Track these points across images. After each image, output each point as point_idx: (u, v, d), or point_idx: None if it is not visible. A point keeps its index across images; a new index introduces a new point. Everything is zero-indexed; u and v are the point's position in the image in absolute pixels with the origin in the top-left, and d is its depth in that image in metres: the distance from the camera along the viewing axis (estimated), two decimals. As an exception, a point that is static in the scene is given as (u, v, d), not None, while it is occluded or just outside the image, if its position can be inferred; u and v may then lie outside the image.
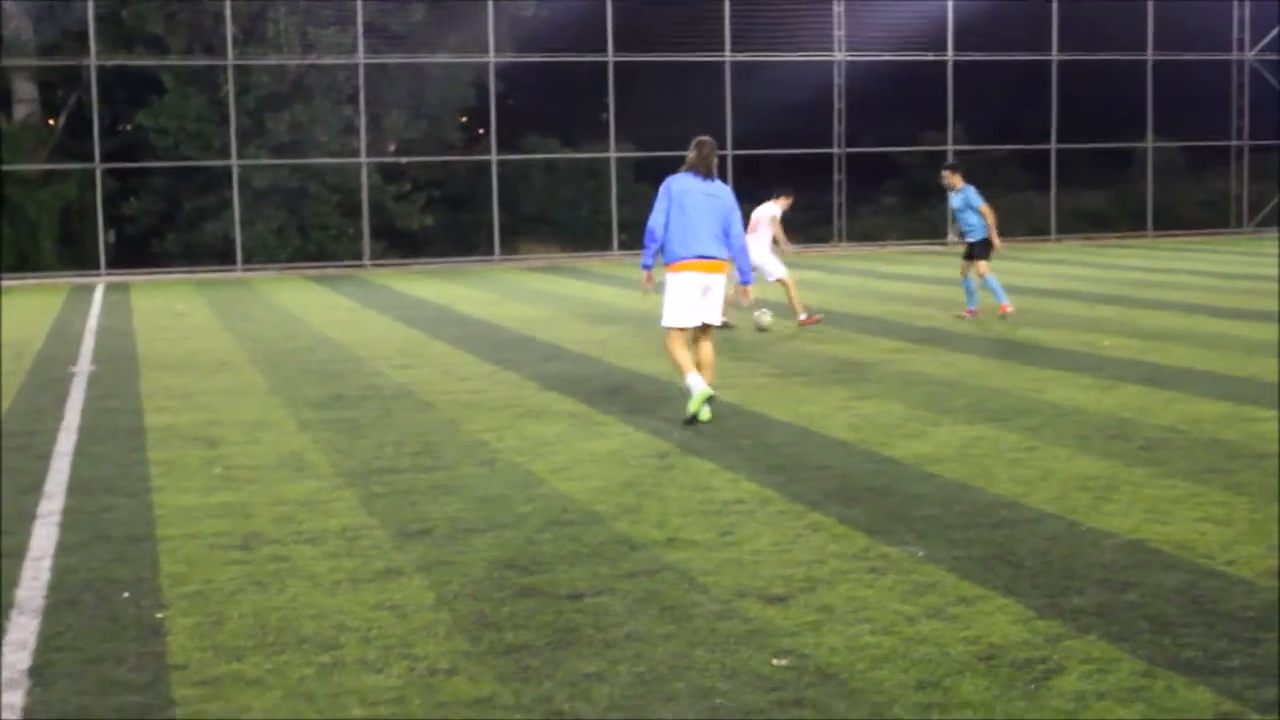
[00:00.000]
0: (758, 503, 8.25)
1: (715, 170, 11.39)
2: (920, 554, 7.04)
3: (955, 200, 18.57)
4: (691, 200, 11.15)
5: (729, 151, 34.32)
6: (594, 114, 35.09)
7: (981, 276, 18.17)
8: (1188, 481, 8.58)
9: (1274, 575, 6.55)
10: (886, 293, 22.52)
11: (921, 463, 9.30)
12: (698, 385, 10.92)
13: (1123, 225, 38.56)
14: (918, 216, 37.35)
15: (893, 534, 7.45)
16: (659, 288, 11.47)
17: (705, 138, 11.48)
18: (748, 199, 36.43)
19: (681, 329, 11.23)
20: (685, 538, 7.46)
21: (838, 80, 35.81)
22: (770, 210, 18.27)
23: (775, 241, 18.25)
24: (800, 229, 36.14)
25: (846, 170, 36.33)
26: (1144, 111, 37.69)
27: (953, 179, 18.50)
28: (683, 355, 11.18)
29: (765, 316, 17.33)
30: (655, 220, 11.20)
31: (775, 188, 18.88)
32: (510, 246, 34.36)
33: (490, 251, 33.76)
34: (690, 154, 11.35)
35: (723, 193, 11.33)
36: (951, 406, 11.54)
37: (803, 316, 17.84)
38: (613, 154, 34.35)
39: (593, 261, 33.28)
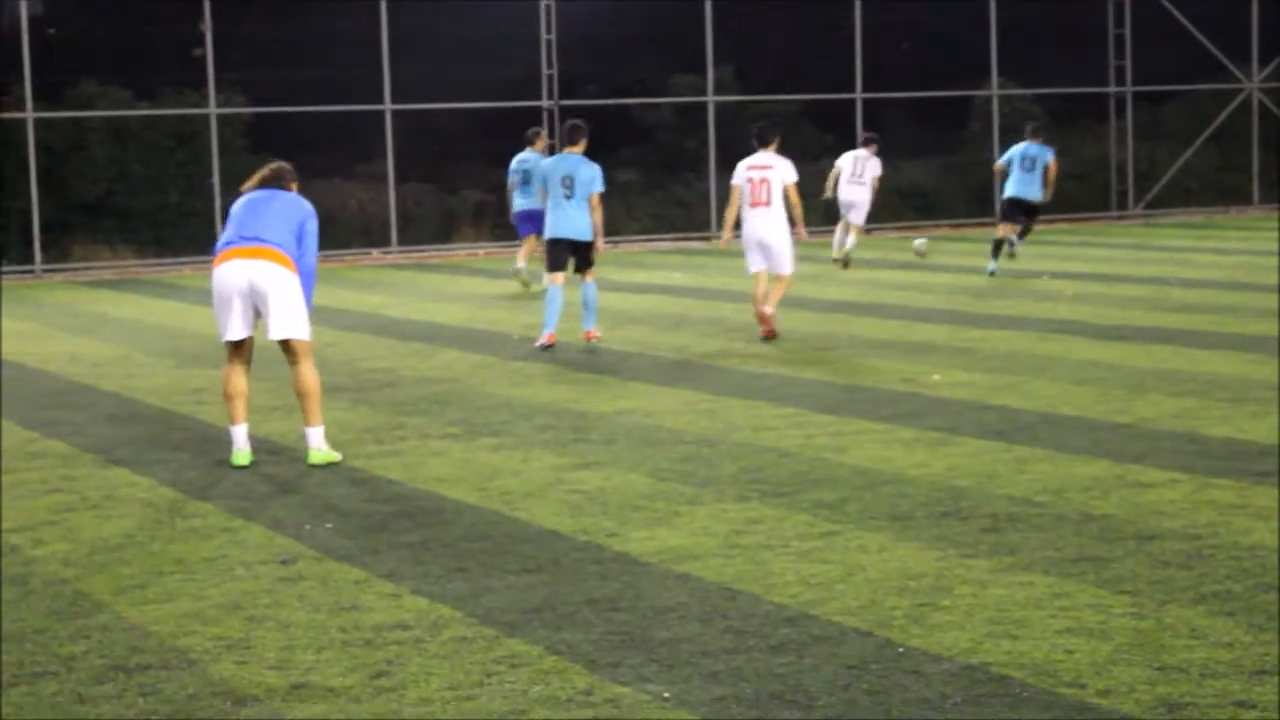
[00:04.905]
0: (428, 627, 8.20)
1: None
2: (666, 695, 7.07)
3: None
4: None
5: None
6: (184, 49, 34.53)
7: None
8: (1049, 576, 8.79)
9: (1165, 706, 6.75)
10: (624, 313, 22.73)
11: (670, 560, 9.36)
12: (241, 442, 12.78)
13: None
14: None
15: (626, 667, 7.46)
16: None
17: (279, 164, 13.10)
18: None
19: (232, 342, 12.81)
20: (318, 683, 7.38)
21: None
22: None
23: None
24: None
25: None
26: None
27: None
28: (233, 391, 12.76)
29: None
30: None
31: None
32: (58, 251, 33.60)
33: (29, 260, 32.98)
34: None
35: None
36: (715, 475, 11.66)
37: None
38: (213, 109, 33.87)
39: (185, 271, 32.81)
